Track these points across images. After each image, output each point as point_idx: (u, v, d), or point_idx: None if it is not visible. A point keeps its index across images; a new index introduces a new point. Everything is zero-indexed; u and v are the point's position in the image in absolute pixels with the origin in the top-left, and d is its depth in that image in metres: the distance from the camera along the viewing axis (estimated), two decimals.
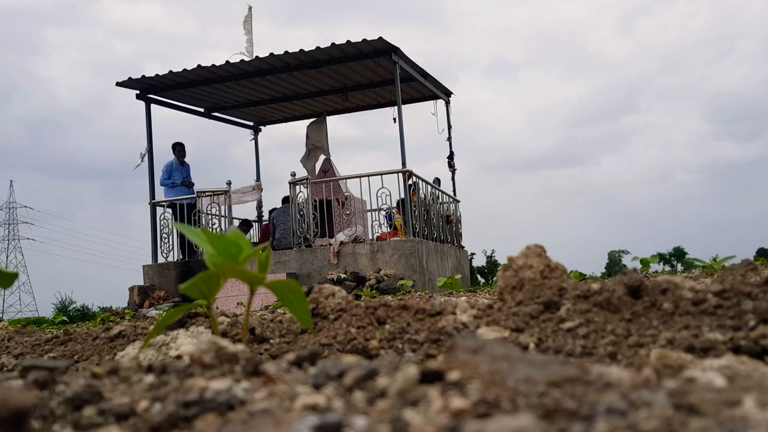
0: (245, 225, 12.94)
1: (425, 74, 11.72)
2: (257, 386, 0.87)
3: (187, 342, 1.56)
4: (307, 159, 12.35)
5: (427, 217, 10.92)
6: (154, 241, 11.24)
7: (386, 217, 11.73)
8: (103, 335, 2.23)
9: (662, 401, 0.67)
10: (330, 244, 10.20)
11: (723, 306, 1.35)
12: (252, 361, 0.97)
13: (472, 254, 39.75)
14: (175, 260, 11.20)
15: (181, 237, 11.12)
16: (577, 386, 0.76)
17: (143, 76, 10.75)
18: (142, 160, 11.41)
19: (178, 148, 11.79)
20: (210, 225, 10.76)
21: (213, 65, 10.53)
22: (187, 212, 11.22)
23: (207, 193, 11.09)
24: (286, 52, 10.14)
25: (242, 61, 10.50)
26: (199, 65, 10.56)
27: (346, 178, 11.09)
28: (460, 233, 13.03)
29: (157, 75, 10.75)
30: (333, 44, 10.01)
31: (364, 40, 9.78)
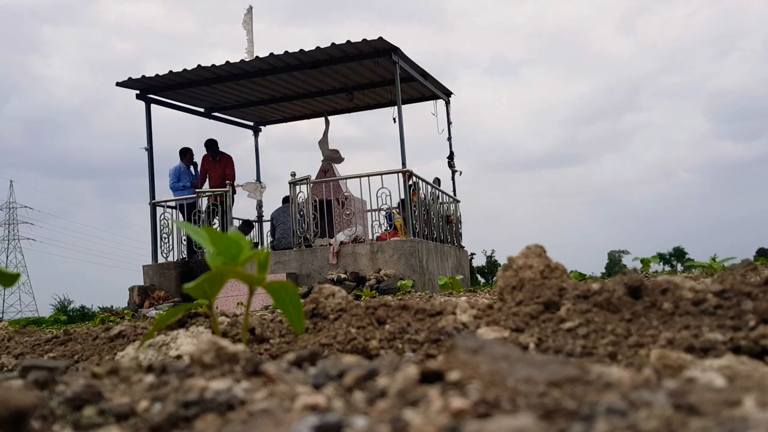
0: (247, 226, 12.91)
1: (425, 74, 11.73)
2: (257, 386, 0.87)
3: (187, 342, 1.56)
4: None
5: (427, 217, 10.92)
6: (154, 241, 11.25)
7: (386, 217, 11.73)
8: (103, 335, 2.23)
9: (662, 401, 0.67)
10: (330, 244, 10.20)
11: (723, 306, 1.35)
12: (252, 361, 0.97)
13: (472, 254, 39.74)
14: (175, 260, 11.21)
15: (186, 236, 11.17)
16: (577, 386, 0.76)
17: (143, 76, 10.75)
18: (146, 150, 11.49)
19: (188, 155, 11.92)
20: (211, 225, 10.78)
21: (213, 65, 10.54)
22: (187, 212, 11.27)
23: (207, 193, 11.10)
24: (286, 52, 10.15)
25: (242, 61, 10.51)
26: (199, 65, 10.57)
27: (346, 178, 11.09)
28: (460, 233, 13.04)
29: (157, 75, 10.75)
30: (333, 44, 10.02)
31: (364, 40, 9.79)
